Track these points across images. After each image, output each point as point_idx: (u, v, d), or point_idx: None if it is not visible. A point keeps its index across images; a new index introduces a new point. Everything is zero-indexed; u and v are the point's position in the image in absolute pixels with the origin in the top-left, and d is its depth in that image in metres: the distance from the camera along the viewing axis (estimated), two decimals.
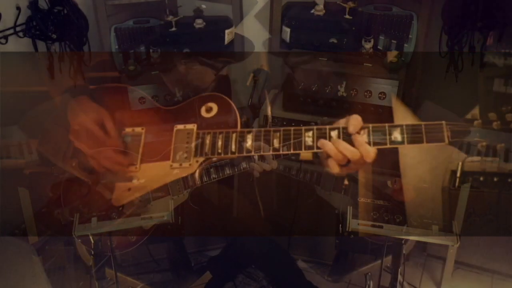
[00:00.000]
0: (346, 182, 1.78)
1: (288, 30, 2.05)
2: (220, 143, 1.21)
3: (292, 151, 1.12)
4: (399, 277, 1.63)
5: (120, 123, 1.35)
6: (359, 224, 1.52)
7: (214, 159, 1.24)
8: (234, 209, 2.26)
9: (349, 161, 1.08)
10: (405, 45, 2.00)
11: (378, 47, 2.08)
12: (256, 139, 1.17)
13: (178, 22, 2.12)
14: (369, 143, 1.06)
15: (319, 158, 1.15)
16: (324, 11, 2.05)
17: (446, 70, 1.91)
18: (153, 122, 1.38)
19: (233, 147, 1.20)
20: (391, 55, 1.96)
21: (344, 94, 2.02)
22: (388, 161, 1.65)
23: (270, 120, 2.10)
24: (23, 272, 1.41)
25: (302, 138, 1.11)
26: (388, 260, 1.73)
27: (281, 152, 1.14)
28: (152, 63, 2.15)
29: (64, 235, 1.52)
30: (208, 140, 1.24)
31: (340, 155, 1.07)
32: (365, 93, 2.00)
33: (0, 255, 1.43)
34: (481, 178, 1.80)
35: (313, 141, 1.11)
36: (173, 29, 2.11)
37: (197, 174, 1.26)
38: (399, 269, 1.62)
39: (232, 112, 1.31)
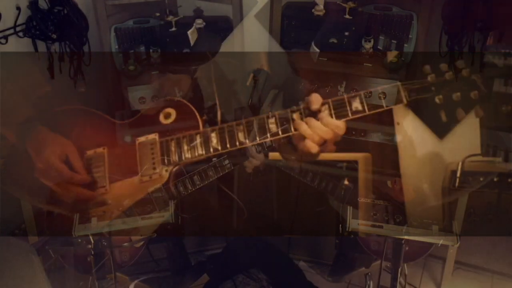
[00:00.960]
0: (346, 182, 1.78)
1: (318, 51, 2.02)
2: (185, 147, 1.19)
3: (259, 141, 1.11)
4: (399, 277, 1.63)
5: (81, 147, 1.30)
6: (359, 224, 1.52)
7: (182, 163, 1.22)
8: (233, 211, 2.27)
9: (325, 140, 1.08)
10: (405, 45, 2.00)
11: (378, 47, 2.08)
12: (220, 135, 1.15)
13: (178, 22, 2.12)
14: (331, 117, 1.08)
15: (292, 145, 1.13)
16: (324, 11, 2.05)
17: (446, 70, 1.91)
18: (113, 138, 1.33)
19: (199, 148, 1.17)
20: (391, 55, 1.96)
21: (344, 94, 2.02)
22: (388, 161, 1.66)
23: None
24: (23, 272, 1.41)
25: (266, 126, 1.10)
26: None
27: (249, 143, 1.13)
28: (152, 63, 2.15)
29: (64, 235, 1.51)
30: (173, 147, 1.21)
31: (315, 135, 1.07)
32: (365, 93, 2.00)
33: (0, 255, 1.43)
34: (481, 178, 1.80)
35: (277, 127, 1.10)
36: (173, 29, 2.11)
37: (171, 183, 1.24)
38: (399, 269, 1.62)
39: (191, 114, 1.28)
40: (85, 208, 1.29)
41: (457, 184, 1.54)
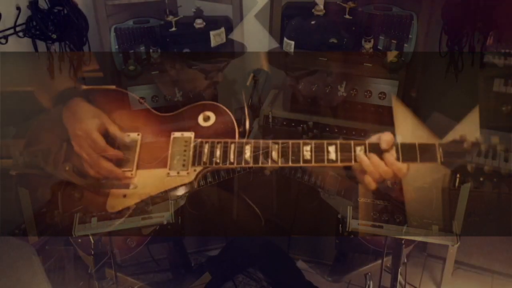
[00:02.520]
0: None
1: (292, 43, 2.03)
2: (218, 153, 1.21)
3: (314, 164, 1.13)
4: (399, 277, 1.63)
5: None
6: (359, 224, 1.52)
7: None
8: (233, 210, 2.27)
9: (383, 179, 1.10)
10: (405, 45, 2.00)
11: (378, 47, 2.08)
12: (255, 151, 1.17)
13: (178, 22, 2.12)
14: (398, 160, 1.10)
15: (354, 172, 1.16)
16: (324, 11, 2.05)
17: (446, 70, 1.92)
18: (149, 127, 1.36)
19: (232, 157, 1.19)
20: (391, 55, 1.96)
21: (344, 94, 2.02)
22: None
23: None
24: (23, 272, 1.41)
25: (324, 152, 1.12)
26: (388, 260, 1.73)
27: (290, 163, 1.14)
28: (152, 63, 2.15)
29: (64, 235, 1.51)
30: (206, 150, 1.23)
31: (376, 173, 1.09)
32: (365, 93, 2.00)
33: (0, 255, 1.43)
34: (481, 178, 1.80)
35: (336, 156, 1.12)
36: (173, 29, 2.11)
37: (195, 183, 1.25)
38: (399, 269, 1.62)
39: (229, 122, 1.30)
40: (108, 186, 1.29)
41: (457, 184, 1.54)
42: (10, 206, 1.57)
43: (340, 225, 1.87)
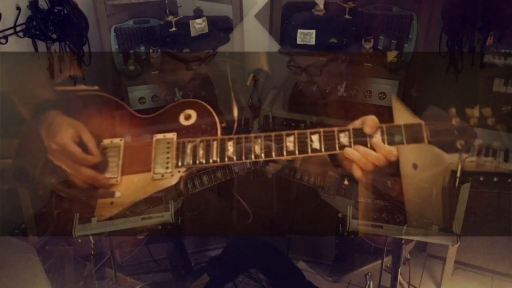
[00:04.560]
0: (346, 182, 1.78)
1: (313, 32, 1.97)
2: (201, 152, 1.18)
3: (298, 155, 1.09)
4: (399, 277, 1.63)
5: (96, 134, 1.28)
6: (359, 224, 1.52)
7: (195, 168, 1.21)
8: (227, 209, 2.27)
9: (375, 166, 1.06)
10: (405, 45, 2.00)
11: (378, 47, 2.08)
12: (237, 145, 1.14)
13: (178, 22, 2.12)
14: (384, 142, 1.05)
15: (340, 162, 1.12)
16: (324, 11, 2.05)
17: (446, 70, 1.92)
18: (131, 131, 1.32)
19: (215, 155, 1.17)
20: (391, 55, 1.96)
21: (344, 94, 2.02)
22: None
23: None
24: (23, 272, 1.41)
25: (307, 141, 1.08)
26: (388, 260, 1.73)
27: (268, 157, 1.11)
28: (152, 63, 2.16)
29: (64, 235, 1.51)
30: (189, 150, 1.20)
31: (368, 163, 1.05)
32: (365, 93, 2.00)
33: (0, 255, 1.43)
34: (481, 178, 1.80)
35: (320, 144, 1.08)
36: (173, 29, 2.11)
37: (181, 184, 1.24)
38: (399, 269, 1.62)
39: (211, 119, 1.27)
40: (94, 196, 1.27)
41: (457, 184, 1.54)
42: (10, 206, 1.57)
43: (340, 225, 1.87)
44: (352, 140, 1.07)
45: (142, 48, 2.19)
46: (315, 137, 1.09)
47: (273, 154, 1.11)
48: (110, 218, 1.32)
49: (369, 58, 2.03)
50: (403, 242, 1.59)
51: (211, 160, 1.17)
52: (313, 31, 1.96)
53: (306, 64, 2.04)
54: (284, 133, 1.11)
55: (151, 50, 2.14)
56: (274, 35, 2.21)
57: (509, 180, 1.94)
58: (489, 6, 1.72)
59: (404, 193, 1.51)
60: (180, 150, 1.21)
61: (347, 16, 2.02)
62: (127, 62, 2.10)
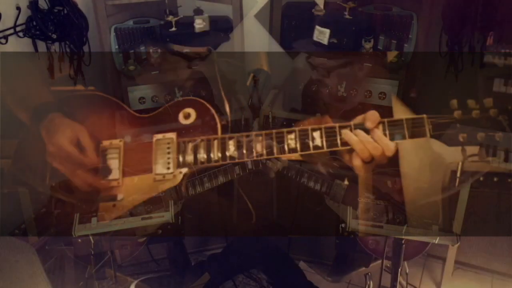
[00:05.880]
0: (346, 182, 1.78)
1: (328, 31, 1.93)
2: (202, 151, 1.17)
3: (300, 152, 1.08)
4: (399, 277, 1.63)
5: (96, 136, 1.27)
6: (359, 224, 1.52)
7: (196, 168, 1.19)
8: (233, 211, 2.27)
9: (371, 156, 1.05)
10: (405, 45, 2.00)
11: (378, 47, 2.08)
12: (238, 145, 1.13)
13: (178, 22, 2.12)
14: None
15: (340, 155, 1.11)
16: (324, 11, 2.05)
17: (446, 70, 1.92)
18: (131, 131, 1.29)
19: (216, 154, 1.15)
20: (391, 55, 1.96)
21: (344, 94, 2.02)
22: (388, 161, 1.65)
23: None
24: (23, 272, 1.41)
25: (309, 139, 1.07)
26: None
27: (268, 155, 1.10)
28: (152, 63, 2.16)
29: (64, 235, 1.51)
30: (190, 149, 1.19)
31: (365, 150, 1.04)
32: (365, 93, 2.00)
33: (0, 255, 1.43)
34: (481, 178, 1.80)
35: (322, 142, 1.07)
36: (173, 29, 2.11)
37: (183, 185, 1.23)
38: (399, 269, 1.62)
39: (211, 117, 1.25)
40: (96, 199, 1.26)
41: (457, 184, 1.54)
42: (10, 206, 1.57)
43: (340, 225, 1.87)
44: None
45: (142, 48, 2.19)
46: (316, 134, 1.08)
47: (275, 151, 1.10)
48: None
49: (369, 58, 2.03)
50: (403, 242, 1.59)
51: (212, 159, 1.16)
52: (328, 31, 1.93)
53: (318, 63, 2.04)
54: (285, 130, 1.10)
55: (151, 50, 2.14)
56: (274, 35, 2.21)
57: (509, 180, 1.94)
58: (489, 6, 1.72)
59: (404, 193, 1.51)
60: (181, 150, 1.20)
61: (347, 16, 2.03)
62: (127, 62, 2.10)
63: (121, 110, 1.34)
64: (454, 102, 1.03)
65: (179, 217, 1.82)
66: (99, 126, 1.28)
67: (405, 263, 1.99)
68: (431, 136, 1.02)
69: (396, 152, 1.39)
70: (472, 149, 1.44)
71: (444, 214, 1.49)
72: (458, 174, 1.51)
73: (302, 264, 2.38)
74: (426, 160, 1.47)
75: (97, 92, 1.38)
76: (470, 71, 1.87)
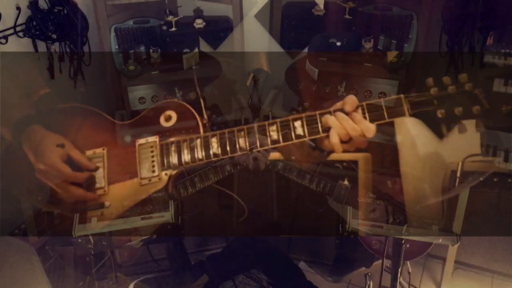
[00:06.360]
0: (346, 182, 1.78)
1: (316, 70, 2.00)
2: (185, 151, 1.18)
3: (282, 143, 1.09)
4: (399, 277, 1.63)
5: (79, 147, 1.27)
6: (359, 224, 1.52)
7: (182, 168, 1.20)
8: (233, 211, 2.27)
9: (350, 138, 1.06)
10: (405, 45, 2.00)
11: (378, 47, 2.08)
12: (221, 141, 1.13)
13: (178, 22, 2.12)
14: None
15: (317, 142, 1.12)
16: (324, 11, 2.05)
17: (446, 70, 1.92)
18: (113, 138, 1.30)
19: (199, 153, 1.16)
20: (391, 55, 1.96)
21: (344, 94, 2.02)
22: (388, 161, 1.66)
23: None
24: (23, 272, 1.41)
25: (290, 128, 1.08)
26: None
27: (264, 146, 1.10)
28: (152, 63, 2.16)
29: (64, 235, 1.51)
30: (173, 150, 1.20)
31: (343, 130, 1.05)
32: (365, 93, 2.00)
33: (0, 255, 1.43)
34: (481, 178, 1.80)
35: (303, 130, 1.08)
36: (173, 29, 2.11)
37: (170, 187, 1.23)
38: (399, 269, 1.62)
39: (191, 117, 1.25)
40: (84, 209, 1.27)
41: (457, 184, 1.54)
42: (10, 206, 1.57)
43: (340, 225, 1.87)
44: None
45: (142, 48, 2.19)
46: (297, 123, 1.08)
47: (258, 145, 1.11)
48: None
49: (369, 58, 2.03)
50: (403, 242, 1.59)
51: (196, 158, 1.16)
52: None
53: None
54: (266, 122, 1.10)
55: (151, 50, 2.14)
56: (274, 35, 2.21)
57: (509, 180, 1.94)
58: (489, 6, 1.72)
59: (404, 193, 1.51)
60: (164, 152, 1.20)
61: (347, 16, 2.03)
62: (127, 62, 2.10)
63: (101, 119, 1.34)
64: (430, 80, 1.05)
65: (179, 217, 1.82)
66: (82, 137, 1.29)
67: (408, 263, 1.99)
68: (410, 115, 1.03)
69: (396, 153, 1.39)
70: (472, 149, 1.45)
71: (444, 214, 1.49)
72: (458, 174, 1.51)
73: (302, 264, 2.38)
74: (426, 160, 1.47)
75: (76, 104, 1.37)
76: (470, 71, 1.87)
